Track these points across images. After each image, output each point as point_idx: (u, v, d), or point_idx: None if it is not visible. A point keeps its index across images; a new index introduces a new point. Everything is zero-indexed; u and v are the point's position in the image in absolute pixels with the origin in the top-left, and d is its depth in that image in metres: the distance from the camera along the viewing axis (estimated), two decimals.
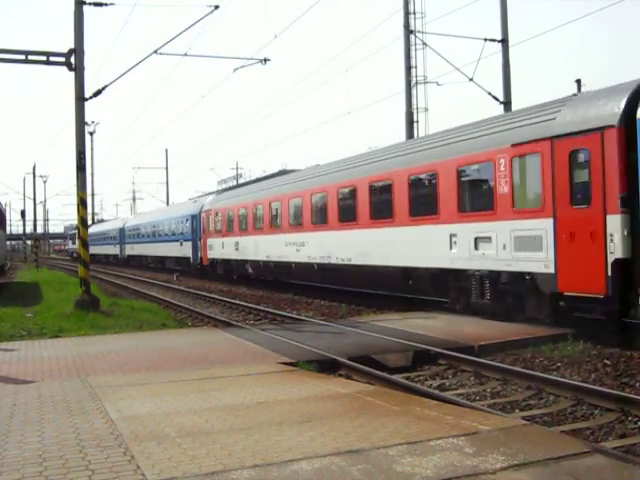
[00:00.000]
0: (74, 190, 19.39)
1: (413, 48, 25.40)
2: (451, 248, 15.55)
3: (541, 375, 9.63)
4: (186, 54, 21.37)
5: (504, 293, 14.33)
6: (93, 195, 78.26)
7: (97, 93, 18.77)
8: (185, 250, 40.20)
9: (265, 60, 22.07)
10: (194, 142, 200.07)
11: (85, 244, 18.49)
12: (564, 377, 9.78)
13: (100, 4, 18.42)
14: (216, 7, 18.36)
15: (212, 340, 13.10)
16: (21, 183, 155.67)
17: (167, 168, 76.90)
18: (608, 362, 10.62)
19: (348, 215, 20.39)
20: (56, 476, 5.34)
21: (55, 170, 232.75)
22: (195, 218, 38.69)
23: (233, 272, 32.55)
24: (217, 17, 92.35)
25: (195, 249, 38.44)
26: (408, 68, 25.40)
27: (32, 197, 69.96)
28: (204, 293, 26.59)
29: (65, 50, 18.31)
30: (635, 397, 8.19)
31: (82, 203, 18.44)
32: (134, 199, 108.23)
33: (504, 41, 24.79)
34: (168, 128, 71.27)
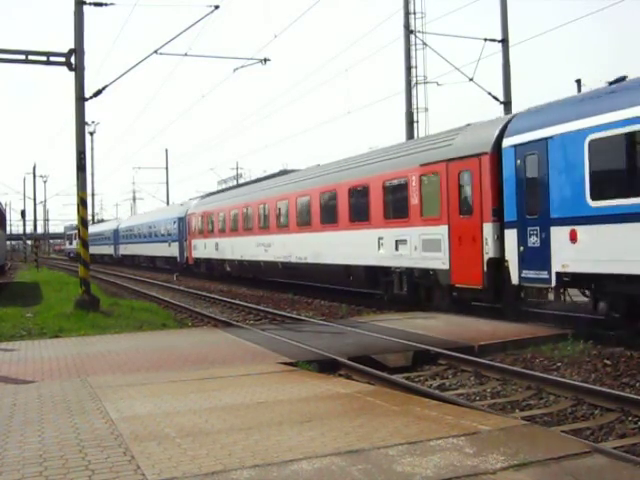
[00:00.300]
0: (74, 190, 19.42)
1: (413, 48, 25.40)
2: (379, 249, 18.69)
3: (541, 375, 9.63)
4: (186, 54, 21.40)
5: (417, 286, 17.46)
6: (93, 195, 78.14)
7: (97, 93, 18.77)
8: (173, 250, 43.17)
9: (265, 60, 22.07)
10: (194, 142, 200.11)
11: (85, 244, 18.50)
12: (564, 377, 9.78)
13: (100, 4, 18.42)
14: (216, 7, 18.37)
15: (212, 340, 13.10)
16: (21, 183, 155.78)
17: (167, 168, 76.98)
18: (608, 362, 10.62)
19: (304, 220, 23.63)
20: (56, 476, 5.34)
21: (55, 170, 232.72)
22: (182, 220, 41.50)
23: (214, 270, 35.32)
24: (217, 17, 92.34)
25: (182, 249, 41.28)
26: (408, 68, 25.39)
27: (32, 197, 69.99)
28: (204, 293, 26.60)
29: (65, 50, 18.32)
30: (635, 397, 8.19)
31: (82, 203, 18.45)
32: (134, 199, 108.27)
33: (504, 41, 24.77)
34: (168, 128, 71.39)
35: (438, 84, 25.92)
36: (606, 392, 8.53)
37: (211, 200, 37.79)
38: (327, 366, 10.51)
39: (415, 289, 17.50)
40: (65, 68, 18.28)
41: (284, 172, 32.25)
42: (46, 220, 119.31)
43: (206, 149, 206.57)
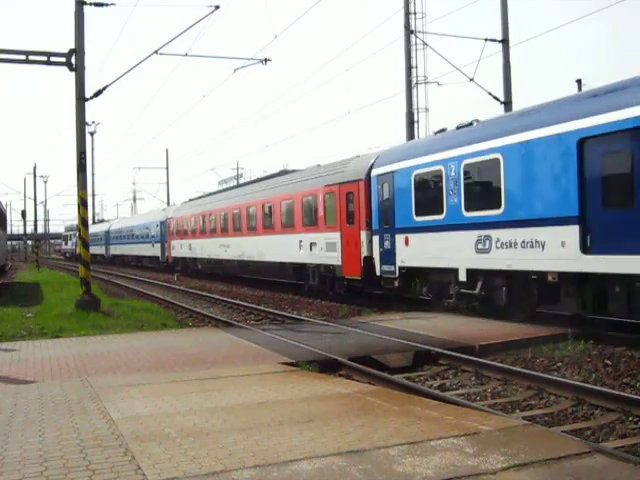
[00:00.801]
0: (75, 190, 19.41)
1: (414, 48, 25.39)
2: (300, 249, 23.81)
3: (542, 375, 9.63)
4: (187, 54, 21.35)
5: (324, 277, 22.56)
6: (94, 195, 78.36)
7: (98, 93, 18.78)
8: (156, 250, 48.47)
9: (266, 60, 22.04)
10: (195, 142, 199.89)
11: (86, 244, 18.50)
12: (565, 377, 9.78)
13: (100, 4, 18.41)
14: (216, 7, 18.38)
15: (213, 340, 13.11)
16: (22, 183, 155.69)
17: (167, 168, 76.80)
18: (609, 362, 10.62)
19: (252, 225, 28.96)
20: (57, 476, 5.34)
21: (56, 170, 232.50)
22: (163, 224, 46.61)
23: (188, 267, 40.52)
24: (218, 17, 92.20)
25: (163, 249, 46.46)
26: (409, 68, 25.39)
27: (33, 197, 69.89)
28: (205, 293, 26.61)
29: (66, 50, 18.34)
30: (636, 397, 8.18)
31: (83, 203, 18.44)
32: (135, 199, 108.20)
33: (505, 41, 24.77)
34: (169, 128, 71.50)
35: (439, 84, 25.95)
36: (607, 392, 8.53)
37: (186, 206, 43.19)
38: (328, 366, 10.51)
39: (323, 280, 22.62)
40: (65, 68, 18.30)
41: (284, 172, 32.30)
42: (47, 220, 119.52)
43: (207, 149, 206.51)
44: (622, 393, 8.58)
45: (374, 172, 19.14)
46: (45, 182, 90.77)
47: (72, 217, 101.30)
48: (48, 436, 6.49)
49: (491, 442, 5.95)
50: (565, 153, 12.36)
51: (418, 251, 17.06)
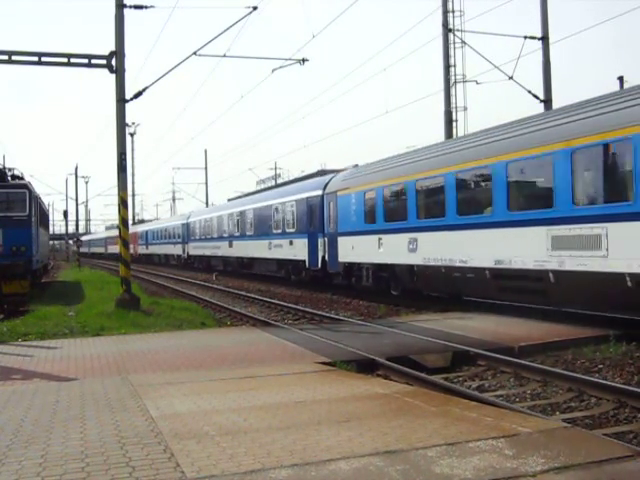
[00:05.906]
0: (115, 190, 19.67)
1: (452, 47, 25.29)
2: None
3: (582, 377, 9.48)
4: (225, 55, 21.41)
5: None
6: (134, 195, 78.99)
7: (138, 95, 19.00)
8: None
9: (303, 60, 22.02)
10: (233, 143, 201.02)
11: (126, 244, 18.73)
12: (606, 379, 9.63)
13: (140, 7, 18.60)
14: (254, 8, 18.45)
15: (251, 339, 13.16)
16: (64, 184, 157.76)
17: (206, 168, 77.38)
18: None
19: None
20: (98, 472, 5.41)
21: (97, 171, 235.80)
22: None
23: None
24: (255, 18, 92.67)
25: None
26: (447, 67, 25.25)
27: (74, 197, 70.94)
28: (243, 293, 26.75)
29: (106, 53, 18.59)
30: None
31: (123, 203, 18.68)
32: (174, 199, 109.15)
33: (544, 38, 24.48)
34: (207, 129, 72.07)
35: (477, 83, 25.79)
36: None
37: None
38: (365, 366, 10.49)
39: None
40: (106, 70, 18.56)
41: (322, 172, 32.28)
42: (88, 220, 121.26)
43: (245, 149, 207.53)
44: None
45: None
46: (86, 183, 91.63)
47: (113, 217, 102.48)
48: (89, 433, 6.59)
49: (530, 444, 5.88)
50: None
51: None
